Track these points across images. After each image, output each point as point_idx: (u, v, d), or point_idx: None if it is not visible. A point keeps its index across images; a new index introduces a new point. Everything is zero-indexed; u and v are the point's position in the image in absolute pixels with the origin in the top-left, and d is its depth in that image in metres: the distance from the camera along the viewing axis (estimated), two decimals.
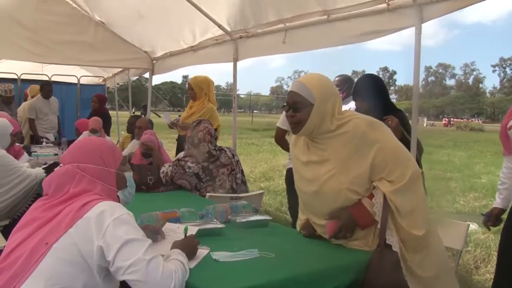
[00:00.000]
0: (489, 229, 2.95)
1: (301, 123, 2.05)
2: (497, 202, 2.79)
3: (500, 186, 2.80)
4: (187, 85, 5.37)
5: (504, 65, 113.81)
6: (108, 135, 7.42)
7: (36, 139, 6.97)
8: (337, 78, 4.26)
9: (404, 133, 2.90)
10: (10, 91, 6.96)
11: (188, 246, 1.81)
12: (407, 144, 2.76)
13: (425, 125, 52.04)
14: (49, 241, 1.55)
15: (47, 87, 7.28)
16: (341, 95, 4.10)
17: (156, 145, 4.02)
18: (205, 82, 5.15)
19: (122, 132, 9.01)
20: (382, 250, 1.96)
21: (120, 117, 10.56)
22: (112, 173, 1.79)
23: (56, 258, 1.53)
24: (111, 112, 8.51)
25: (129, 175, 1.91)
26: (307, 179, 2.14)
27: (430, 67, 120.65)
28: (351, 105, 3.92)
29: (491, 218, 2.80)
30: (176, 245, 1.81)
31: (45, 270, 1.52)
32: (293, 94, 2.06)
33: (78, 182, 1.69)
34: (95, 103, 7.50)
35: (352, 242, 2.09)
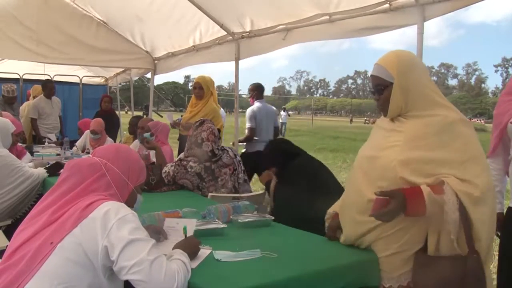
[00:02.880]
0: (498, 236, 2.84)
1: (386, 104, 1.99)
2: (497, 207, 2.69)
3: None
4: (193, 84, 5.36)
5: (506, 65, 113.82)
6: (115, 137, 7.42)
7: (38, 139, 6.98)
8: (250, 87, 5.74)
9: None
10: (13, 91, 6.98)
11: (189, 246, 1.81)
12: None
13: None
14: (54, 240, 1.55)
15: (49, 85, 7.28)
16: (250, 100, 5.74)
17: (163, 126, 4.18)
18: (211, 82, 5.19)
19: (124, 133, 9.01)
20: (478, 257, 1.82)
21: (122, 117, 10.56)
22: (129, 188, 1.82)
23: (61, 258, 1.54)
24: None
25: (140, 199, 1.93)
26: (372, 144, 2.08)
27: (432, 67, 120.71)
28: (257, 104, 5.57)
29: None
30: (177, 245, 1.81)
31: (49, 269, 1.53)
32: (373, 78, 2.02)
33: (97, 179, 1.72)
34: (108, 103, 7.53)
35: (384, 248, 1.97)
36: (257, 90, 5.70)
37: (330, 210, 2.31)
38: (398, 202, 1.80)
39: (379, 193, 1.82)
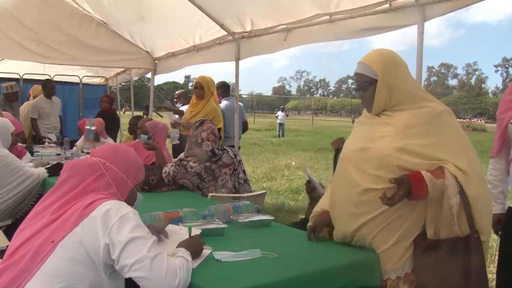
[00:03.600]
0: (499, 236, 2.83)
1: (371, 101, 2.07)
2: (497, 208, 2.59)
3: (494, 190, 2.61)
4: (194, 84, 5.37)
5: (507, 65, 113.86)
6: (115, 137, 7.41)
7: (38, 139, 6.98)
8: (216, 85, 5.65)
9: None
10: (14, 86, 6.97)
11: (192, 245, 1.83)
12: None
13: None
14: (55, 239, 1.56)
15: (50, 85, 7.27)
16: (218, 98, 5.74)
17: (161, 129, 4.14)
18: (212, 82, 5.19)
19: (124, 133, 9.01)
20: (479, 238, 1.91)
21: (122, 117, 10.56)
22: (129, 186, 1.83)
23: (62, 256, 1.54)
24: None
25: (140, 197, 1.93)
26: (358, 137, 2.13)
27: (433, 67, 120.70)
28: (224, 102, 5.79)
29: (497, 225, 2.67)
30: (181, 244, 1.84)
31: (51, 268, 1.53)
32: (358, 75, 2.10)
33: (97, 179, 1.73)
34: (106, 103, 7.50)
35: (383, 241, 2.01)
36: (222, 88, 5.92)
37: (317, 209, 2.33)
38: (405, 189, 1.85)
39: (393, 180, 1.86)
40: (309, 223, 2.27)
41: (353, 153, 2.09)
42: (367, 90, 2.07)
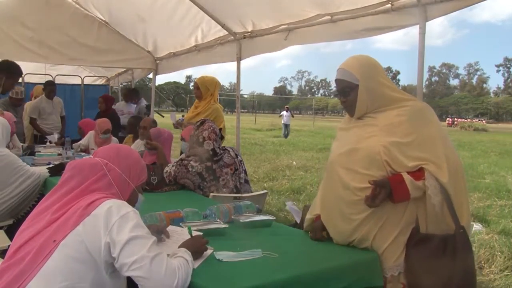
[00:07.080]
0: None
1: (353, 105, 2.15)
2: None
3: None
4: (193, 84, 5.39)
5: (508, 65, 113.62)
6: (117, 137, 7.41)
7: (39, 139, 6.98)
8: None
9: None
10: (22, 93, 6.94)
11: (193, 245, 1.84)
12: None
13: None
14: (57, 238, 1.56)
15: (49, 87, 7.27)
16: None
17: (166, 138, 4.04)
18: (212, 83, 5.16)
19: None
20: (464, 231, 1.99)
21: None
22: (130, 187, 1.84)
23: (64, 255, 1.55)
24: None
25: (141, 198, 1.94)
26: (345, 141, 2.18)
27: (434, 67, 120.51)
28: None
29: None
30: (183, 244, 1.85)
31: (52, 267, 1.53)
32: (339, 81, 2.17)
33: (99, 179, 1.73)
34: (101, 104, 7.47)
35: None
36: (131, 94, 7.99)
37: (310, 216, 2.36)
38: (386, 192, 1.95)
39: (373, 182, 1.94)
40: (309, 234, 2.29)
41: (341, 156, 2.15)
42: (349, 95, 2.15)
